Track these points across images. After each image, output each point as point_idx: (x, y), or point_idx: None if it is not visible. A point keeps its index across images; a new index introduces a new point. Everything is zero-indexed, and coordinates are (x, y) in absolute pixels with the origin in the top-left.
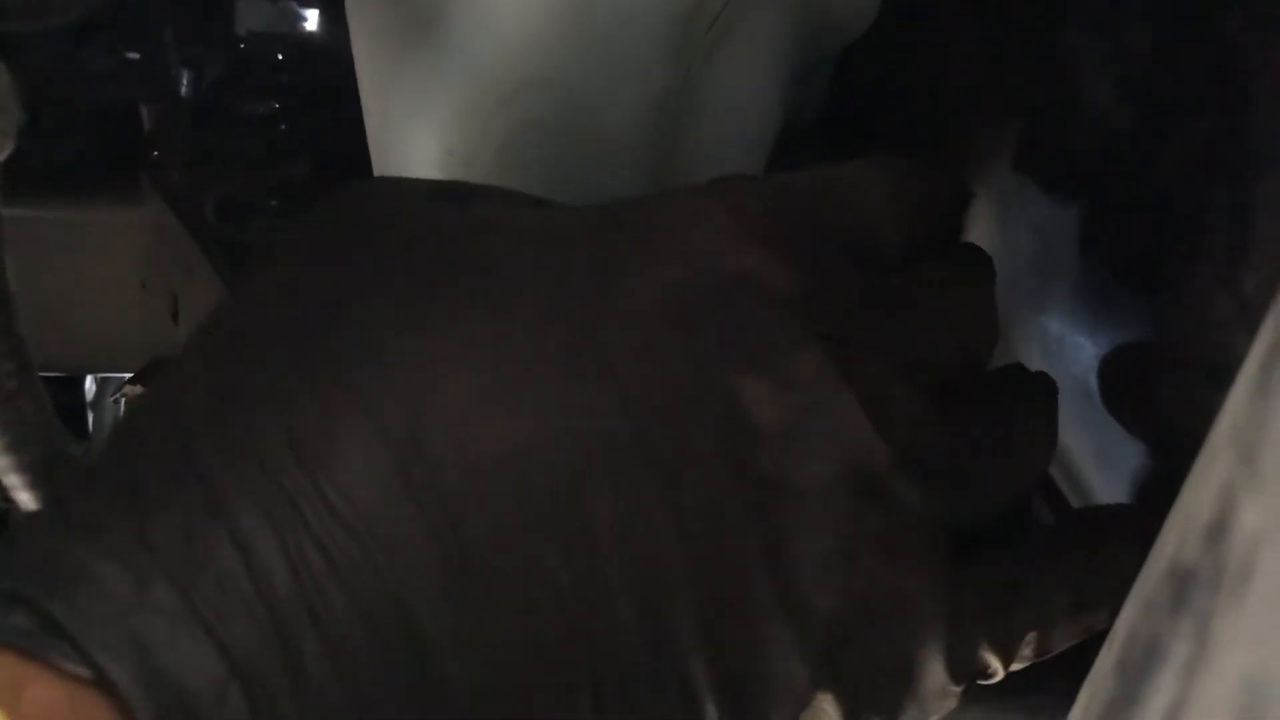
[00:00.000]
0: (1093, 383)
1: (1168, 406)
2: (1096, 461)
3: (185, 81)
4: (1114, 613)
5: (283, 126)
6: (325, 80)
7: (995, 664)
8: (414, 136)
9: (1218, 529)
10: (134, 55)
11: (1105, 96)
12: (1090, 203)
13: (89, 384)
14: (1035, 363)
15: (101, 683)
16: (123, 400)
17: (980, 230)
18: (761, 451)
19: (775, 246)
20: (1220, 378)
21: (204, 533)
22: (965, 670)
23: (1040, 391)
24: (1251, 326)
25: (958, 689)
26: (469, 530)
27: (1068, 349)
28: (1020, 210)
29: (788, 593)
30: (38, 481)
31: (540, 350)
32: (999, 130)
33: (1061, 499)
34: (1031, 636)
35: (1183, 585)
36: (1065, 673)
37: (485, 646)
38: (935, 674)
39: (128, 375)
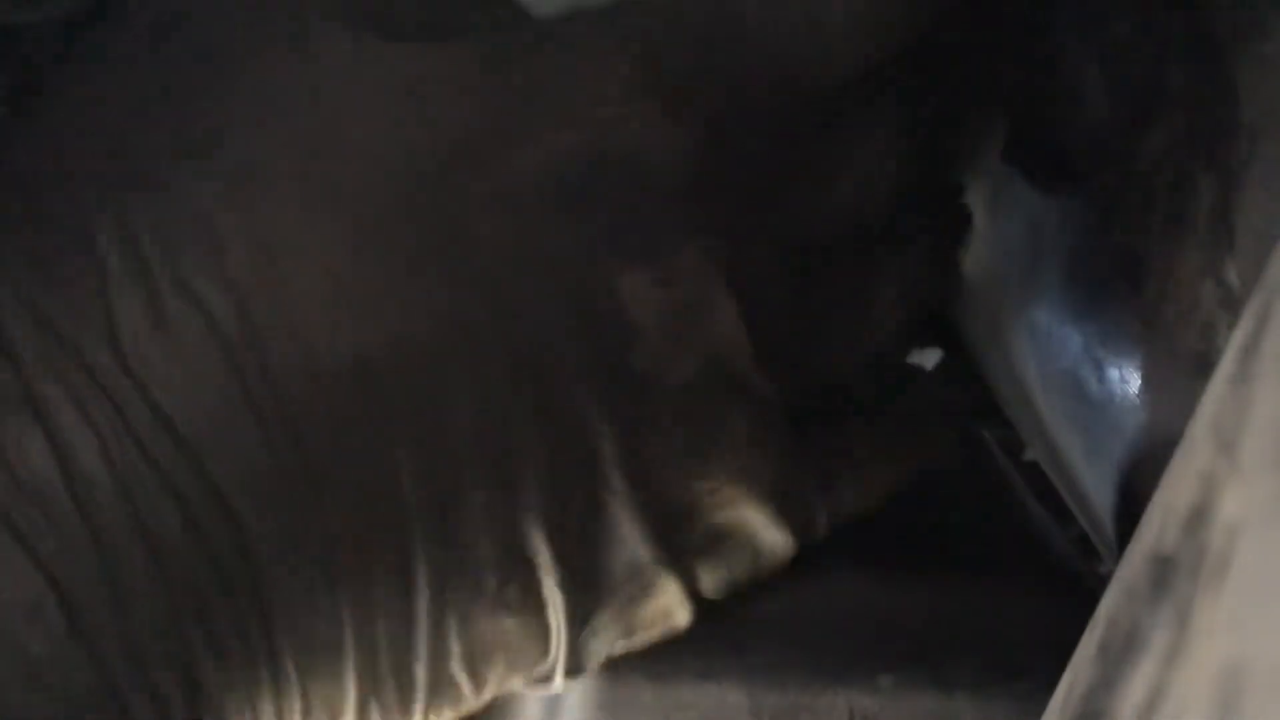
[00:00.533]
0: (1082, 373)
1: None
2: (1084, 452)
3: None
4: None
5: None
6: None
7: (825, 527)
8: None
9: (1198, 517)
10: None
11: (1090, 87)
12: (1077, 194)
13: None
14: (1024, 353)
15: None
16: None
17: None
18: (634, 349)
19: (679, 110)
20: (1206, 367)
21: (17, 428)
22: (801, 539)
23: (942, 240)
24: (1236, 316)
25: (792, 554)
26: (310, 442)
27: (1056, 340)
28: (1009, 202)
29: (636, 488)
30: None
31: (394, 240)
32: (987, 122)
33: (1051, 490)
34: (854, 494)
35: (1163, 573)
36: (1053, 660)
37: (319, 562)
38: (774, 545)
39: None
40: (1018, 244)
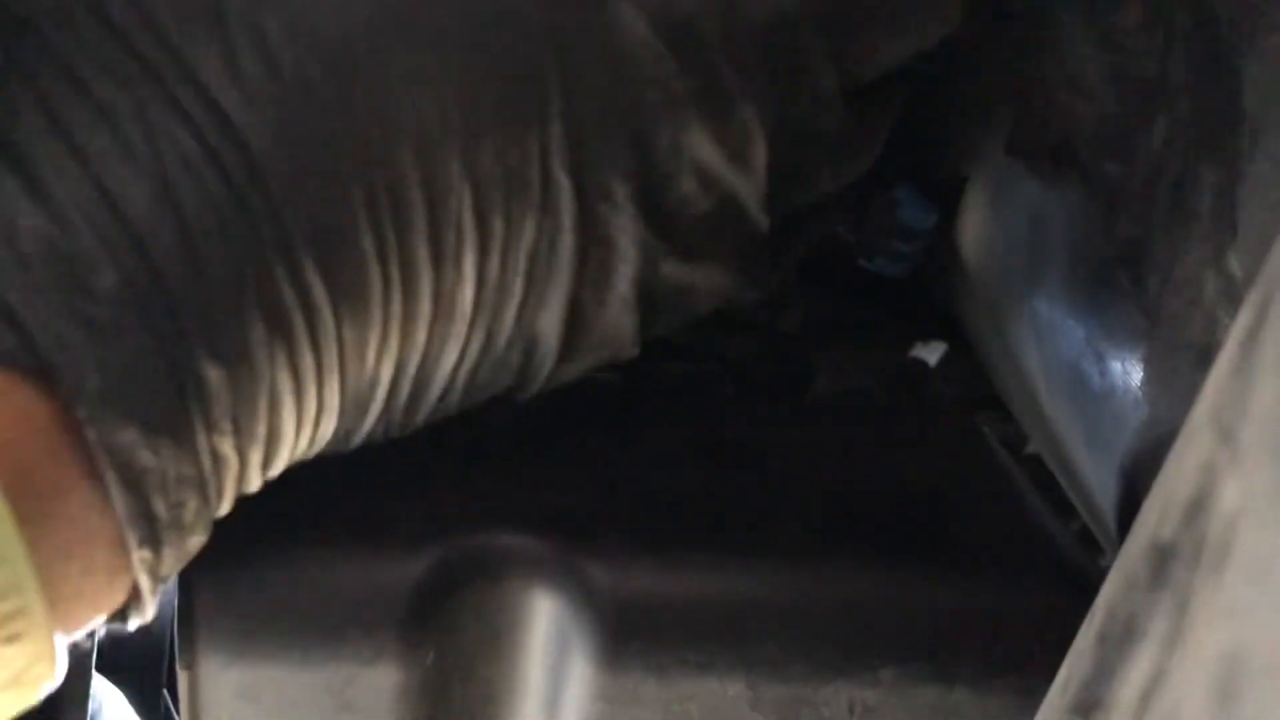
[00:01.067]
0: (1084, 366)
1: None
2: (1086, 442)
3: None
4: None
5: None
6: None
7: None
8: None
9: (1197, 506)
10: None
11: (1094, 78)
12: (1081, 186)
13: None
14: (1027, 346)
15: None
16: None
17: (973, 214)
18: (672, 192)
19: None
20: (1209, 359)
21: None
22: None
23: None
24: (1239, 307)
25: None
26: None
27: (1058, 332)
28: (1012, 194)
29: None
30: None
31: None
32: (991, 115)
33: (1053, 483)
34: None
35: (1162, 561)
36: (1053, 654)
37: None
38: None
39: None
40: (1020, 236)
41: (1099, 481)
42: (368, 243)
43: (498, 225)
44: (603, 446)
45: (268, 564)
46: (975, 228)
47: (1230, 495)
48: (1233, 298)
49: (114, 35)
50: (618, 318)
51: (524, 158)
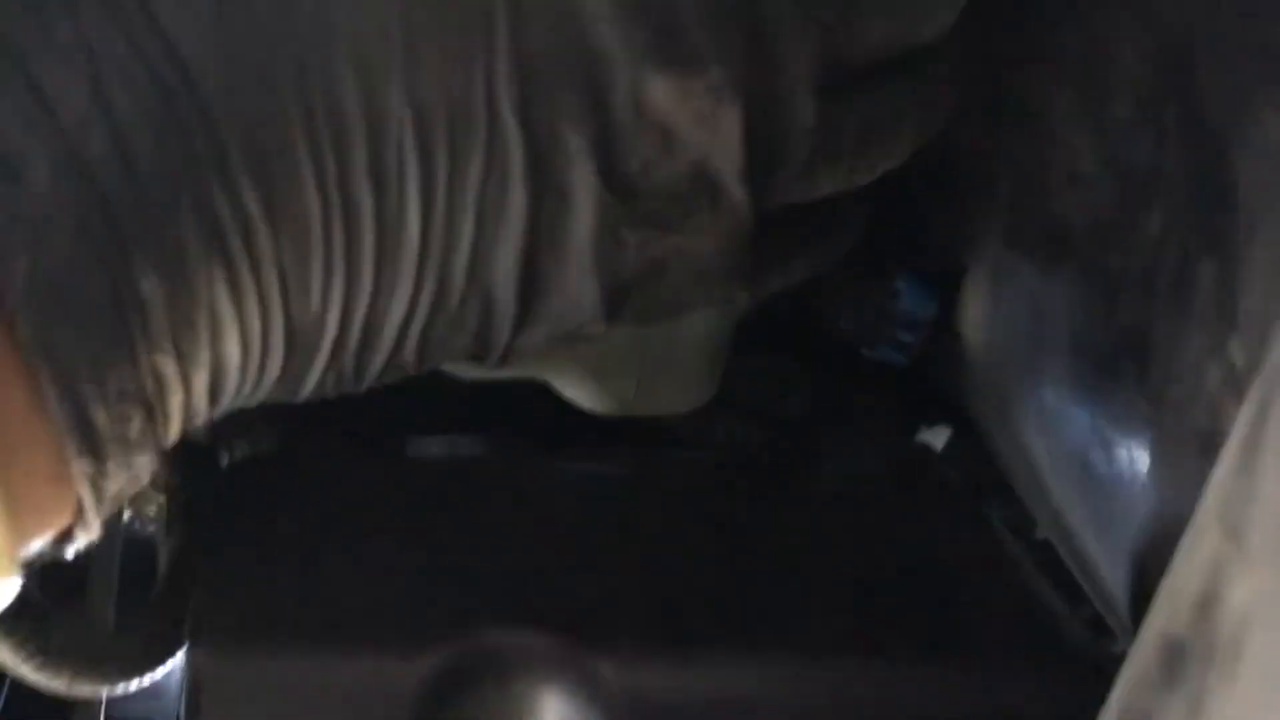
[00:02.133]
0: (1091, 454)
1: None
2: (1094, 529)
3: None
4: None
5: None
6: None
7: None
8: None
9: (1207, 603)
10: None
11: (1090, 169)
12: (1081, 275)
13: None
14: (1033, 433)
15: None
16: None
17: (974, 303)
18: (634, 153)
19: None
20: (1214, 446)
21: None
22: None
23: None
24: (1241, 396)
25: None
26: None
27: (1064, 420)
28: (1013, 283)
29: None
30: None
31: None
32: (990, 205)
33: (1063, 569)
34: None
35: (1174, 659)
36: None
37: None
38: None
39: None
40: (1022, 325)
41: (1109, 568)
42: (305, 161)
43: (441, 158)
44: (609, 539)
45: (273, 659)
46: (977, 316)
47: (1240, 594)
48: (1235, 387)
49: None
50: (577, 281)
51: (468, 89)
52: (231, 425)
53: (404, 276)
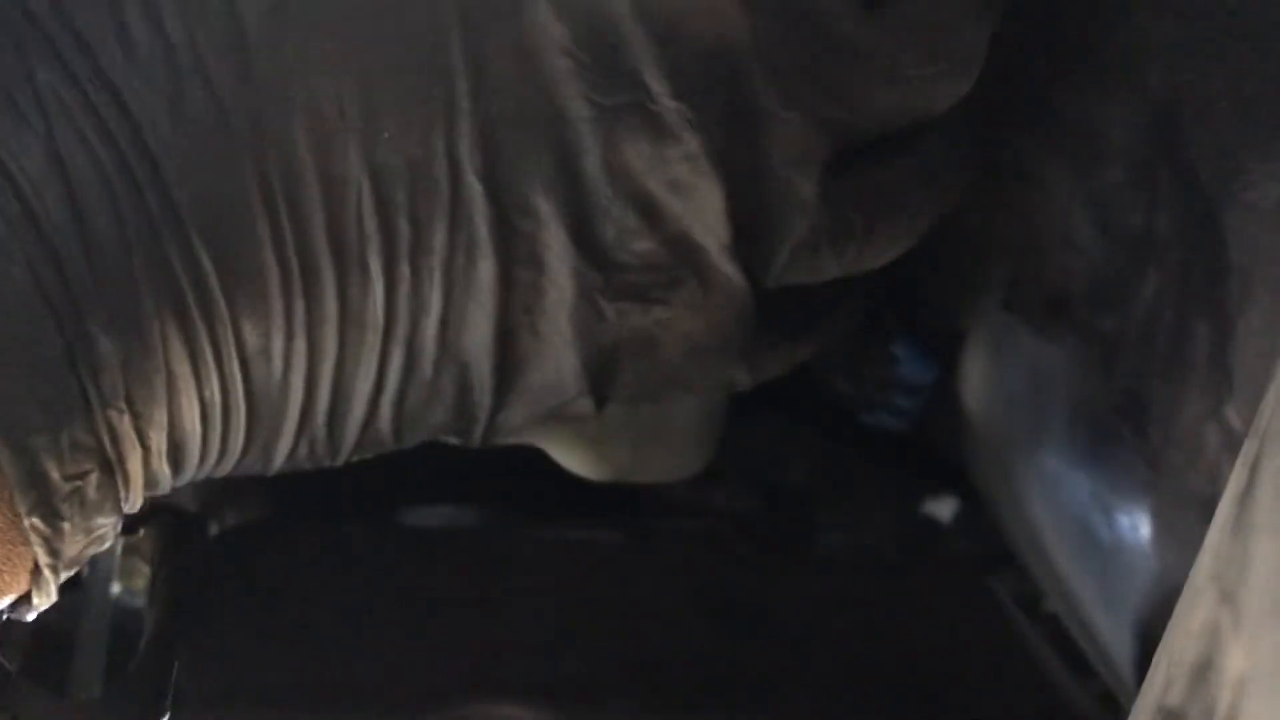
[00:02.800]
0: (1092, 520)
1: None
2: (1098, 598)
3: None
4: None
5: None
6: None
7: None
8: None
9: (1203, 670)
10: None
11: (1084, 234)
12: (1078, 339)
13: None
14: (1034, 500)
15: None
16: None
17: (973, 369)
18: (608, 219)
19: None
20: (1213, 513)
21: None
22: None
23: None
24: None
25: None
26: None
27: (1065, 485)
28: (1011, 348)
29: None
30: None
31: (397, 60)
32: (987, 270)
33: (1072, 642)
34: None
35: None
36: None
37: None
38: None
39: None
40: (1021, 389)
41: (1114, 639)
42: (261, 224)
43: (402, 223)
44: (600, 609)
45: None
46: (975, 382)
47: (1235, 660)
48: (1234, 450)
49: None
50: (558, 356)
51: (429, 153)
52: (221, 493)
53: (369, 343)
